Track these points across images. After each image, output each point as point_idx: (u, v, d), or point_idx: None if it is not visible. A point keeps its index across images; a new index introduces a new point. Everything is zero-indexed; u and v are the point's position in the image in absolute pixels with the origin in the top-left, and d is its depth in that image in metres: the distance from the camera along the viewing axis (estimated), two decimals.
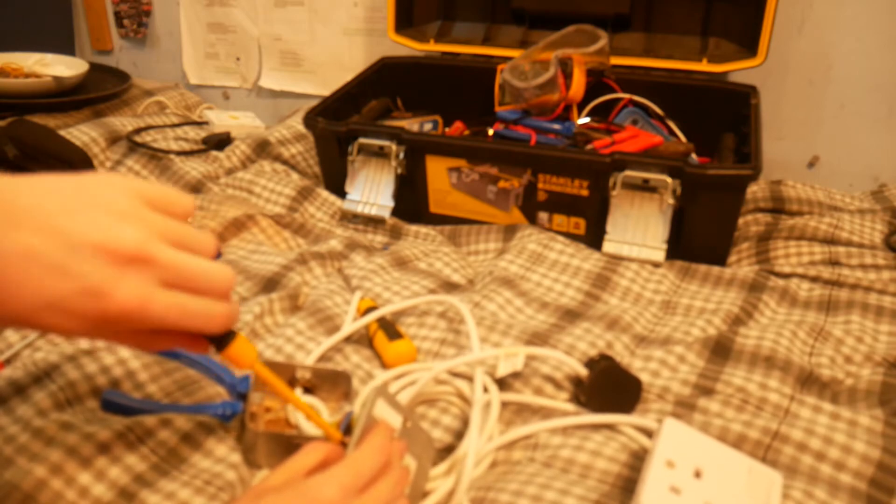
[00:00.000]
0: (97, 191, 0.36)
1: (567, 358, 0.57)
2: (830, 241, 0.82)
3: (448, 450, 0.52)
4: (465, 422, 0.54)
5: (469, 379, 0.58)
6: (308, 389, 0.55)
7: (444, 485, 0.48)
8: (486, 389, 0.56)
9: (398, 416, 0.47)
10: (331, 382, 0.55)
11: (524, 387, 0.58)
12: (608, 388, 0.56)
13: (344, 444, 0.45)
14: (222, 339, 0.40)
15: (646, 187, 0.77)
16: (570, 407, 0.56)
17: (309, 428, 0.51)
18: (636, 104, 0.96)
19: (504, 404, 0.56)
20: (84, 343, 0.57)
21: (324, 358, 0.62)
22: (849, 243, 0.81)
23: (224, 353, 0.41)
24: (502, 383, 0.58)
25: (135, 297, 0.35)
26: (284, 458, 0.48)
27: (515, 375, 0.58)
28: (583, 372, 0.56)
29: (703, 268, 0.78)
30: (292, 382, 0.55)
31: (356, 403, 0.55)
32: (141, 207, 0.37)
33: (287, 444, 0.49)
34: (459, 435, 0.54)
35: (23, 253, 0.33)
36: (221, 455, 0.49)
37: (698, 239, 0.78)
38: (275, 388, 0.44)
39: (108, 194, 0.36)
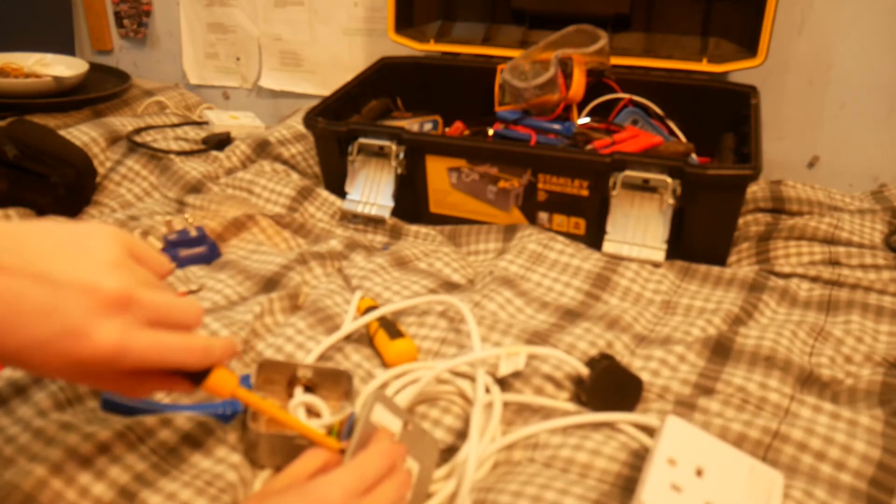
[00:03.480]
0: (85, 239, 0.38)
1: (568, 357, 0.57)
2: (830, 241, 0.82)
3: (450, 450, 0.52)
4: (467, 422, 0.54)
5: (470, 378, 0.58)
6: (309, 388, 0.55)
7: (446, 488, 0.48)
8: (487, 390, 0.56)
9: (397, 420, 0.47)
10: (332, 381, 0.55)
11: (524, 386, 0.58)
12: (609, 387, 0.56)
13: (343, 452, 0.45)
14: (200, 372, 0.41)
15: (646, 187, 0.77)
16: (571, 406, 0.56)
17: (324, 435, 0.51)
18: (636, 104, 0.96)
19: (504, 404, 0.56)
20: None
21: (324, 357, 0.62)
22: (849, 243, 0.81)
23: (203, 386, 0.42)
24: (503, 383, 0.58)
25: (114, 339, 0.36)
26: (286, 458, 0.48)
27: (516, 375, 0.58)
28: (584, 371, 0.56)
29: (703, 268, 0.78)
30: (293, 381, 0.55)
31: (357, 404, 0.55)
32: (126, 258, 0.39)
33: (289, 444, 0.49)
34: (461, 435, 0.54)
35: (10, 296, 0.34)
36: (222, 455, 0.49)
37: (698, 239, 0.78)
38: (263, 410, 0.45)
39: (96, 244, 0.38)
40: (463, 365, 0.58)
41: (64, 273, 0.36)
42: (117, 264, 0.38)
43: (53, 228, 0.38)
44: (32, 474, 0.45)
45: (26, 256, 0.35)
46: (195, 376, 0.41)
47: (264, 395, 0.53)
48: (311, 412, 0.53)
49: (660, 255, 0.77)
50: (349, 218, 0.90)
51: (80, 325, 0.35)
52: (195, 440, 0.50)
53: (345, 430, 0.50)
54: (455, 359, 0.56)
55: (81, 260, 0.37)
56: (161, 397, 0.55)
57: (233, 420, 0.53)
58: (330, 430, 0.51)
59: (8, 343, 0.35)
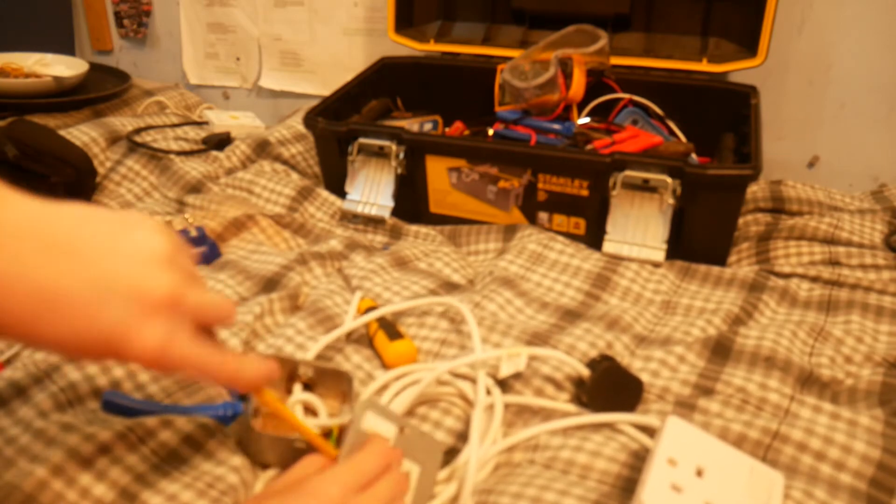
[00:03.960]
0: (131, 231, 0.36)
1: (568, 358, 0.57)
2: (830, 241, 0.82)
3: (451, 452, 0.52)
4: (468, 424, 0.54)
5: (471, 380, 0.58)
6: (307, 386, 0.55)
7: (448, 490, 0.48)
8: (488, 392, 0.56)
9: (392, 426, 0.47)
10: (331, 381, 0.55)
11: (525, 387, 0.58)
12: (610, 388, 0.56)
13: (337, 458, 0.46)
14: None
15: (646, 187, 0.77)
16: (572, 408, 0.56)
17: (307, 425, 0.51)
18: (636, 104, 0.96)
19: (505, 406, 0.56)
20: None
21: (324, 358, 0.62)
22: (849, 243, 0.81)
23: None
24: (503, 384, 0.58)
25: (156, 343, 0.35)
26: (285, 458, 0.48)
27: (516, 376, 0.58)
28: (584, 372, 0.56)
29: (703, 268, 0.78)
30: (293, 378, 0.55)
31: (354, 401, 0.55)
32: (174, 252, 0.37)
33: (289, 446, 0.49)
34: (462, 437, 0.54)
35: (53, 289, 0.33)
36: (223, 457, 0.49)
37: (698, 239, 0.78)
38: (282, 414, 0.45)
39: (142, 237, 0.36)
40: (463, 366, 0.58)
41: (113, 269, 0.34)
42: (166, 260, 0.36)
43: (95, 216, 0.36)
44: (33, 475, 0.45)
45: (74, 247, 0.33)
46: None
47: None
48: (308, 410, 0.53)
49: (660, 255, 0.77)
50: (349, 218, 0.90)
51: (124, 327, 0.34)
52: (196, 442, 0.50)
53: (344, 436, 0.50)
54: (455, 360, 0.56)
55: (128, 255, 0.35)
56: (161, 398, 0.55)
57: (233, 421, 0.53)
58: (328, 434, 0.51)
59: (45, 335, 0.33)
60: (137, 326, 0.34)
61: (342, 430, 0.51)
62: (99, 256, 0.34)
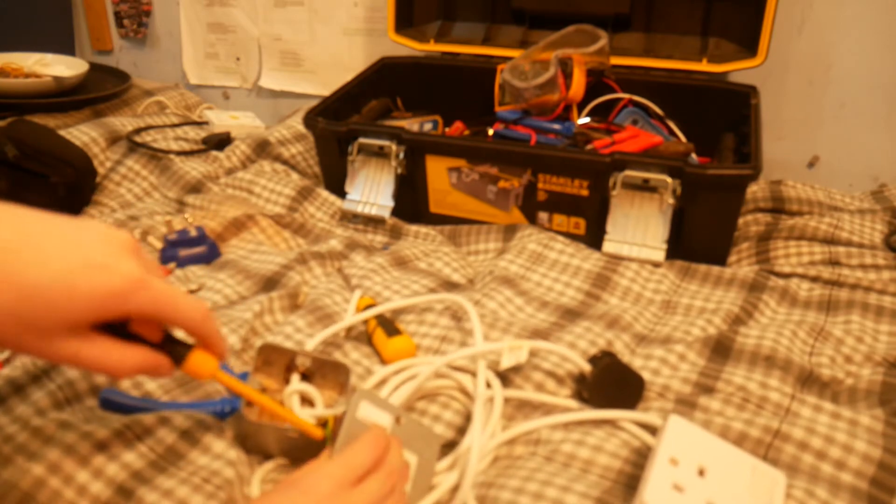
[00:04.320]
0: (97, 227, 0.39)
1: (570, 353, 0.57)
2: (830, 241, 0.82)
3: (450, 446, 0.52)
4: (467, 417, 0.54)
5: (470, 373, 0.58)
6: (305, 377, 0.55)
7: (448, 480, 0.48)
8: (488, 385, 0.56)
9: (387, 416, 0.47)
10: (329, 372, 0.55)
11: (525, 383, 0.58)
12: (611, 384, 0.56)
13: (325, 440, 0.46)
14: (181, 355, 0.43)
15: (646, 187, 0.77)
16: (573, 403, 0.56)
17: (302, 415, 0.51)
18: (636, 104, 0.96)
19: (505, 400, 0.56)
20: None
21: (323, 353, 0.62)
22: (849, 243, 0.81)
23: (184, 367, 0.43)
24: (503, 380, 0.58)
25: (137, 273, 0.37)
26: (282, 448, 0.49)
27: (517, 371, 0.58)
28: (586, 367, 0.56)
29: (703, 268, 0.78)
30: (291, 368, 0.55)
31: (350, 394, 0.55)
32: (139, 246, 0.40)
33: (282, 435, 0.50)
34: (461, 430, 0.54)
35: (34, 238, 0.36)
36: (219, 451, 0.49)
37: (698, 239, 0.78)
38: (243, 393, 0.46)
39: (109, 230, 0.39)
40: (463, 360, 0.57)
41: (79, 259, 0.36)
42: (131, 250, 0.39)
43: (54, 216, 0.38)
44: (30, 473, 0.45)
45: (35, 242, 0.36)
46: (177, 356, 0.43)
47: (261, 385, 0.53)
48: (305, 401, 0.53)
49: (660, 255, 0.77)
50: (349, 218, 0.90)
51: (105, 260, 0.37)
52: (193, 437, 0.50)
53: (338, 428, 0.50)
54: (456, 353, 0.56)
55: (95, 244, 0.37)
56: (159, 395, 0.55)
57: (230, 417, 0.53)
58: (324, 424, 0.51)
59: (34, 278, 0.35)
60: (116, 260, 0.37)
61: (337, 420, 0.51)
62: (66, 249, 0.37)
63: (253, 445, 0.51)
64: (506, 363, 0.55)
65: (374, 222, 0.89)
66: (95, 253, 0.37)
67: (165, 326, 0.43)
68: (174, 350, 0.43)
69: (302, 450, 0.50)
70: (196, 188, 0.94)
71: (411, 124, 1.01)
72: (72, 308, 0.36)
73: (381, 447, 0.44)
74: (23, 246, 0.36)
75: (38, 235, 0.36)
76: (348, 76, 1.04)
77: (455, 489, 0.48)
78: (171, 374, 0.43)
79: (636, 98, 0.96)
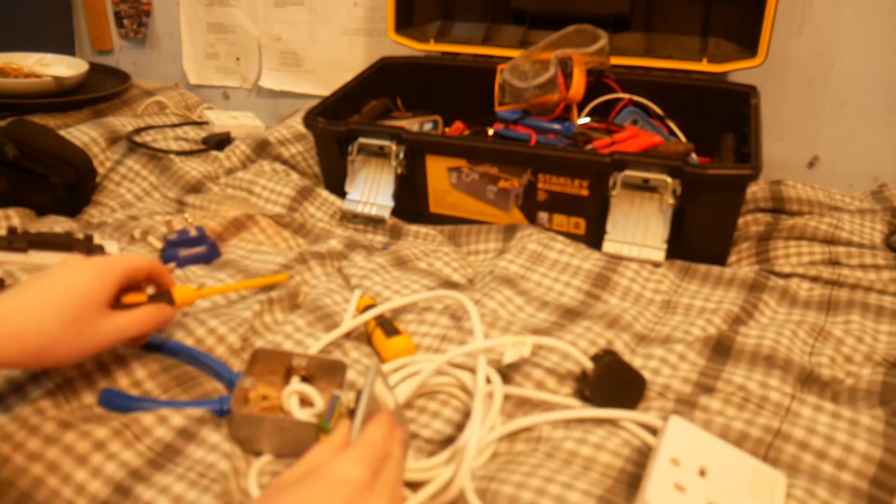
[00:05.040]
0: (73, 269, 0.52)
1: (572, 350, 0.56)
2: (830, 241, 0.81)
3: (449, 441, 0.52)
4: (466, 414, 0.54)
5: (471, 370, 0.57)
6: (305, 379, 0.55)
7: (445, 472, 0.48)
8: (488, 380, 0.55)
9: (390, 396, 0.47)
10: (327, 372, 0.55)
11: (526, 380, 0.58)
12: (613, 383, 0.55)
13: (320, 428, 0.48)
14: (169, 298, 0.57)
15: (646, 187, 0.77)
16: (574, 402, 0.56)
17: (301, 414, 0.51)
18: (636, 104, 0.96)
19: (506, 397, 0.56)
20: None
21: (323, 353, 0.62)
22: (849, 243, 0.81)
23: (177, 304, 0.57)
24: (503, 377, 0.57)
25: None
26: (271, 442, 0.49)
27: (517, 369, 0.58)
28: (588, 365, 0.56)
29: (703, 267, 0.77)
30: (290, 371, 0.55)
31: (346, 390, 0.55)
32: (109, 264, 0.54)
33: (274, 426, 0.50)
34: (460, 427, 0.54)
35: (50, 333, 0.49)
36: (214, 443, 0.49)
37: (698, 239, 0.78)
38: (226, 290, 0.64)
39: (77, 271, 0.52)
40: (464, 358, 0.57)
41: (74, 307, 0.50)
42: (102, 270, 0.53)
43: (46, 274, 0.51)
44: (29, 472, 0.45)
45: (43, 297, 0.50)
46: (168, 300, 0.57)
47: (255, 382, 0.54)
48: (305, 402, 0.53)
49: (660, 255, 0.77)
50: (349, 218, 0.90)
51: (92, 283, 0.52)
52: (189, 433, 0.50)
53: (328, 410, 0.50)
54: (458, 349, 0.56)
55: (80, 283, 0.51)
56: (158, 394, 0.55)
57: (229, 414, 0.53)
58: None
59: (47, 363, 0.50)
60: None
61: (327, 405, 0.50)
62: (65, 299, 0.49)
63: (246, 441, 0.51)
64: (509, 358, 0.55)
65: (374, 222, 0.89)
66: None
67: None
68: (160, 298, 0.57)
69: (295, 443, 0.50)
70: (196, 188, 0.94)
71: (411, 124, 1.01)
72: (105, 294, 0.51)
73: (393, 432, 0.43)
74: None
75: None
76: (348, 76, 1.04)
77: (452, 480, 0.48)
78: (173, 315, 0.57)
79: (636, 98, 0.96)
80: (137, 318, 0.53)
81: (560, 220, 0.83)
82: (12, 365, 0.48)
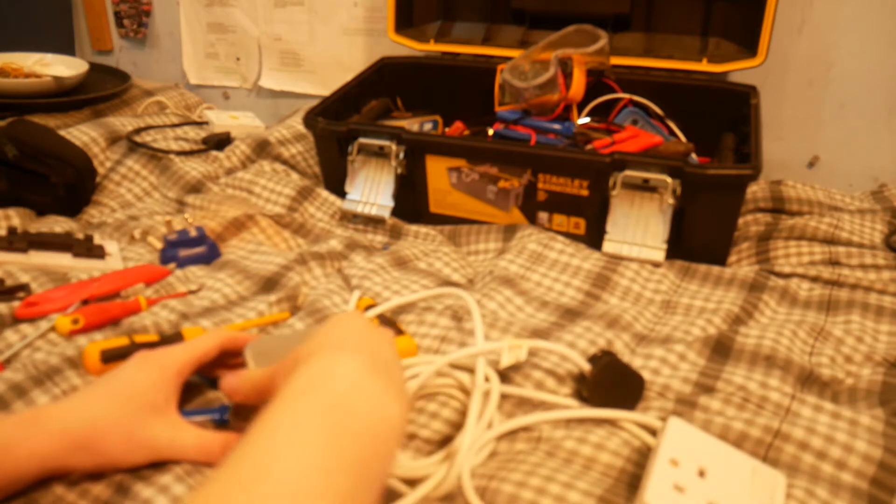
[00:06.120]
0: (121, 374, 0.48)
1: (570, 352, 0.56)
2: (830, 241, 0.82)
3: (447, 440, 0.52)
4: (465, 414, 0.54)
5: (470, 370, 0.57)
6: None
7: (442, 469, 0.48)
8: (487, 379, 0.56)
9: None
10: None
11: (525, 381, 0.58)
12: (611, 383, 0.55)
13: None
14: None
15: (646, 187, 0.77)
16: (572, 402, 0.56)
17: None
18: (636, 104, 0.96)
19: (505, 397, 0.56)
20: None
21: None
22: (849, 243, 0.81)
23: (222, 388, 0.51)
24: (503, 377, 0.58)
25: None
26: None
27: (516, 370, 0.58)
28: (586, 367, 0.56)
29: (703, 267, 0.78)
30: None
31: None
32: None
33: None
34: (459, 427, 0.54)
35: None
36: None
37: (698, 239, 0.78)
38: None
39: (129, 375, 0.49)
40: (464, 359, 0.57)
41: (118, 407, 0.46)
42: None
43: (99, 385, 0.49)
44: None
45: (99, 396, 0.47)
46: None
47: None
48: None
49: (660, 255, 0.77)
50: (349, 218, 0.90)
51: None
52: None
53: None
54: (456, 352, 0.56)
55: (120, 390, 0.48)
56: None
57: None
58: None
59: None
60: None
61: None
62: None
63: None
64: (505, 362, 0.55)
65: (374, 222, 0.89)
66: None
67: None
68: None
69: None
70: (196, 188, 0.94)
71: (411, 124, 1.01)
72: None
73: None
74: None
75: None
76: (348, 76, 1.04)
77: (446, 478, 0.48)
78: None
79: (636, 98, 0.96)
80: (197, 444, 0.47)
81: (560, 220, 0.83)
82: (61, 460, 0.44)
